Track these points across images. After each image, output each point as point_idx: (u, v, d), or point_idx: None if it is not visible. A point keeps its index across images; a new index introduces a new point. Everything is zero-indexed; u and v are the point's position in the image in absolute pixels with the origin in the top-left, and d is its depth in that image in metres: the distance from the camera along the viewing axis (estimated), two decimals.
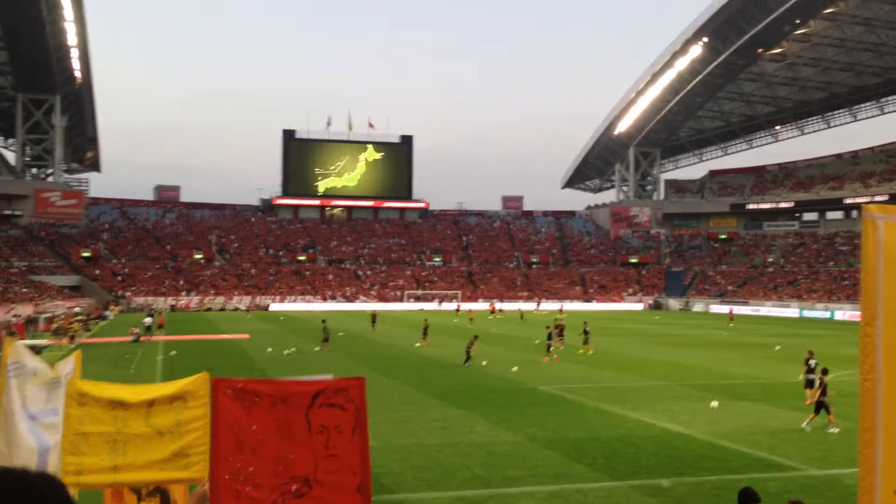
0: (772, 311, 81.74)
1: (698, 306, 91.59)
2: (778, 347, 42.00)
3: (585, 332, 39.05)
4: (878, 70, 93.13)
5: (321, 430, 6.78)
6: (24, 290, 69.78)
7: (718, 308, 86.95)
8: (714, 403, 22.55)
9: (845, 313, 73.14)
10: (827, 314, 76.43)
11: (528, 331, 51.24)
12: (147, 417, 7.33)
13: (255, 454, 6.80)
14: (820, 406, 19.43)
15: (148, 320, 46.49)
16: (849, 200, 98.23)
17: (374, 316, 54.94)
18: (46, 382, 8.81)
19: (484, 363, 32.25)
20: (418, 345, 41.00)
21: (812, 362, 22.82)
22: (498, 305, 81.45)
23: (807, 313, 78.29)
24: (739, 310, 76.37)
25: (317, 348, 38.39)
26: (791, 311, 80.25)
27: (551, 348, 35.82)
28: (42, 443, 8.38)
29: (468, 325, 56.22)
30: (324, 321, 41.64)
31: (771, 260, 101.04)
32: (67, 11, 71.74)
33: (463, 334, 45.36)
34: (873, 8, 79.79)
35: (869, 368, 6.13)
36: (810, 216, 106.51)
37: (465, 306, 79.44)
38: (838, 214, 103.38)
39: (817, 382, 20.28)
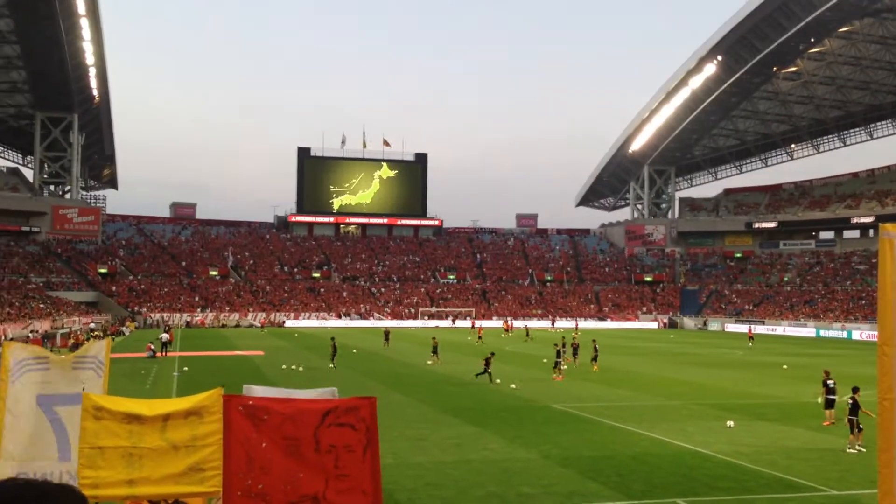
0: (788, 331, 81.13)
1: (714, 325, 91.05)
2: (785, 366, 41.80)
3: (594, 350, 39.06)
4: (893, 88, 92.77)
5: (330, 450, 6.78)
6: (42, 305, 70.29)
7: (734, 327, 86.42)
8: (730, 423, 22.39)
9: (862, 333, 72.52)
10: (844, 334, 75.78)
11: (540, 349, 51.00)
12: (163, 432, 7.39)
13: (265, 472, 6.83)
14: (852, 424, 19.18)
15: (164, 336, 46.69)
16: (865, 219, 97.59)
17: (386, 333, 54.94)
18: (66, 365, 8.91)
19: (498, 381, 32.16)
20: (430, 362, 41.01)
21: (830, 382, 22.60)
22: (515, 324, 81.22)
23: (824, 333, 77.65)
24: (756, 329, 75.78)
25: (331, 365, 38.45)
26: (808, 331, 79.63)
27: (560, 366, 35.68)
28: (61, 434, 8.43)
29: (476, 344, 56.05)
30: (332, 338, 41.80)
31: (787, 279, 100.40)
32: (85, 31, 72.60)
33: (477, 352, 45.31)
34: (888, 26, 79.62)
35: (887, 388, 6.06)
36: (826, 235, 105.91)
37: (479, 324, 79.31)
38: (855, 233, 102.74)
39: (849, 402, 19.67)
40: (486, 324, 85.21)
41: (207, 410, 7.43)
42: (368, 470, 6.84)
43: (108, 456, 7.34)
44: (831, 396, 22.36)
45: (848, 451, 18.87)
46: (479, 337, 60.12)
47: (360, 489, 6.83)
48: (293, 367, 37.57)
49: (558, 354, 36.29)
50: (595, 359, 38.85)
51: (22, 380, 8.60)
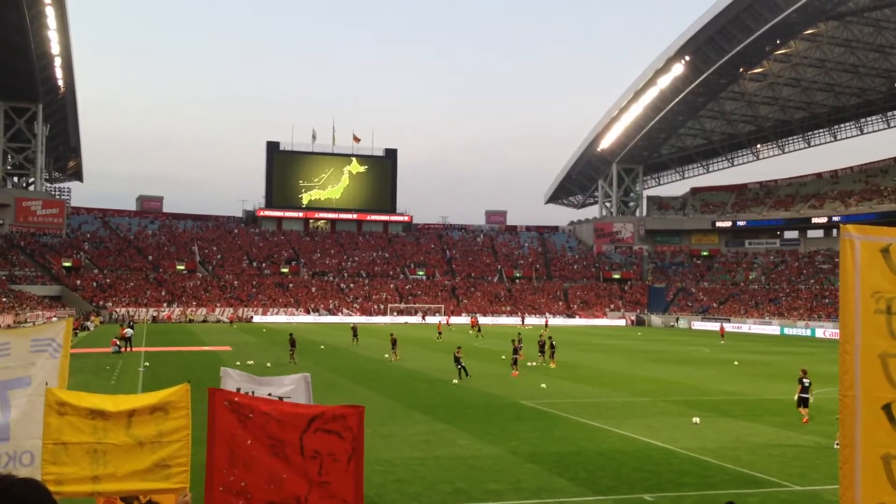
0: (753, 329, 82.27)
1: (681, 322, 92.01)
2: (736, 363, 42.65)
3: (552, 347, 39.41)
4: (857, 91, 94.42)
5: (314, 456, 6.75)
6: (4, 299, 69.10)
7: (701, 325, 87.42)
8: (696, 419, 22.65)
9: (825, 331, 73.72)
10: (808, 332, 77.01)
11: (499, 345, 51.11)
12: (128, 428, 7.32)
13: (248, 469, 6.78)
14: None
15: (128, 331, 46.07)
16: (827, 219, 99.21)
17: (354, 329, 54.70)
18: (25, 347, 8.74)
19: (455, 381, 32.01)
20: (387, 356, 41.01)
21: (806, 381, 22.77)
22: (481, 320, 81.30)
23: (788, 331, 78.86)
24: (718, 326, 76.73)
25: (291, 361, 37.90)
26: (773, 329, 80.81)
27: (517, 362, 35.75)
28: (4, 414, 8.33)
29: (436, 340, 56.10)
30: (291, 334, 41.39)
31: (752, 277, 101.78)
32: (51, 20, 71.40)
33: (443, 348, 45.34)
34: (853, 30, 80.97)
35: (848, 385, 6.20)
36: (791, 234, 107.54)
37: (441, 319, 79.29)
38: (819, 233, 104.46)
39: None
40: (456, 320, 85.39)
41: (173, 406, 7.36)
42: (352, 480, 6.81)
43: (72, 452, 7.25)
44: (804, 395, 22.60)
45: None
46: (439, 333, 60.26)
47: (342, 498, 6.79)
48: (267, 364, 37.24)
49: (515, 351, 36.29)
50: (552, 355, 39.19)
51: None
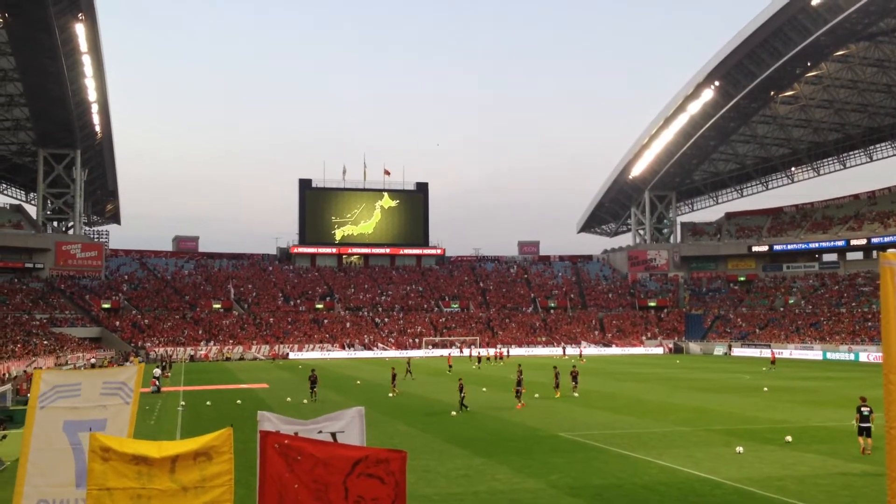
0: (795, 354, 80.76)
1: (719, 349, 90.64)
2: (766, 389, 42.00)
3: (556, 378, 39.36)
4: (891, 110, 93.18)
5: (358, 501, 6.74)
6: (45, 342, 70.21)
7: (741, 351, 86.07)
8: (739, 448, 22.22)
9: (870, 355, 72.16)
10: (851, 356, 75.40)
11: (535, 375, 50.68)
12: (171, 473, 7.36)
13: None
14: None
15: (157, 371, 46.51)
16: (862, 241, 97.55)
17: (408, 363, 54.37)
18: (96, 389, 8.88)
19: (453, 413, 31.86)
20: (391, 395, 40.14)
21: (865, 409, 21.90)
22: (513, 352, 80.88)
23: (830, 355, 77.28)
24: (760, 353, 75.50)
25: (308, 400, 37.30)
26: (815, 354, 79.25)
27: (520, 394, 35.30)
28: (80, 460, 8.45)
29: (448, 372, 55.76)
30: (313, 370, 41.30)
31: (792, 302, 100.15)
32: (87, 68, 73.21)
33: (479, 381, 45.08)
34: (884, 49, 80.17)
35: (894, 417, 6.02)
36: (830, 257, 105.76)
37: (452, 352, 78.94)
38: (858, 255, 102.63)
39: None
40: (484, 352, 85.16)
41: (217, 451, 7.39)
42: None
43: (117, 498, 7.30)
44: (864, 424, 21.77)
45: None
46: (450, 366, 59.97)
47: None
48: (304, 401, 37.25)
49: (519, 383, 35.74)
50: (557, 385, 38.98)
51: (52, 406, 8.67)
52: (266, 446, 6.97)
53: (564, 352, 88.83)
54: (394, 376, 41.69)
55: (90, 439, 7.57)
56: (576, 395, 38.19)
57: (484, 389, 42.57)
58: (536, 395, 38.48)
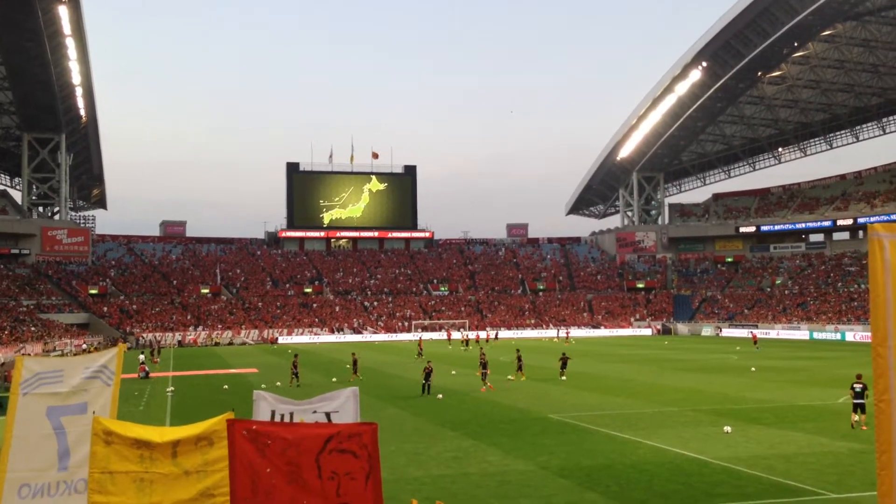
0: (782, 334, 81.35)
1: (707, 330, 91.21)
2: (753, 369, 42.27)
3: (518, 360, 39.12)
4: (877, 90, 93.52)
5: (332, 477, 6.74)
6: (33, 328, 69.89)
7: (729, 332, 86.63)
8: (727, 428, 22.40)
9: (856, 334, 72.78)
10: (837, 336, 76.04)
11: (528, 358, 50.85)
12: (174, 457, 7.44)
13: (269, 498, 6.79)
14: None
15: (141, 357, 46.55)
16: (849, 221, 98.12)
17: (419, 343, 54.19)
18: (77, 374, 8.90)
19: (439, 396, 31.90)
20: (334, 380, 39.97)
21: (857, 386, 22.18)
22: (502, 335, 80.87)
23: (817, 335, 77.90)
24: (749, 333, 75.95)
25: (294, 384, 36.98)
26: (801, 334, 79.86)
27: (486, 377, 35.39)
28: (63, 443, 8.50)
29: (415, 359, 54.59)
30: (296, 355, 40.71)
31: (779, 282, 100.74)
32: (71, 51, 72.49)
33: (468, 363, 45.19)
34: (871, 29, 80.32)
35: (883, 389, 6.06)
36: (817, 237, 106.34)
37: (421, 335, 78.67)
38: (845, 235, 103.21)
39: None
40: (473, 334, 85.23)
41: (218, 436, 7.44)
42: (371, 499, 6.79)
43: (119, 481, 7.35)
44: (857, 401, 22.10)
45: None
46: (420, 351, 56.15)
47: None
48: (297, 385, 37.23)
49: (484, 366, 35.83)
50: (520, 368, 38.85)
51: (34, 393, 8.68)
52: (234, 434, 6.95)
53: (558, 334, 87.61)
54: (355, 362, 41.63)
55: (93, 422, 7.62)
56: (563, 378, 38.27)
57: (454, 372, 42.67)
58: (510, 377, 38.51)
